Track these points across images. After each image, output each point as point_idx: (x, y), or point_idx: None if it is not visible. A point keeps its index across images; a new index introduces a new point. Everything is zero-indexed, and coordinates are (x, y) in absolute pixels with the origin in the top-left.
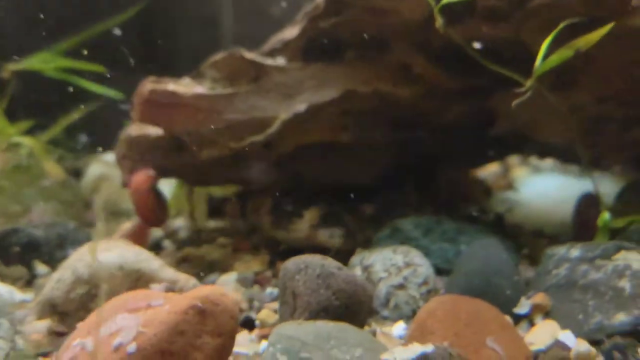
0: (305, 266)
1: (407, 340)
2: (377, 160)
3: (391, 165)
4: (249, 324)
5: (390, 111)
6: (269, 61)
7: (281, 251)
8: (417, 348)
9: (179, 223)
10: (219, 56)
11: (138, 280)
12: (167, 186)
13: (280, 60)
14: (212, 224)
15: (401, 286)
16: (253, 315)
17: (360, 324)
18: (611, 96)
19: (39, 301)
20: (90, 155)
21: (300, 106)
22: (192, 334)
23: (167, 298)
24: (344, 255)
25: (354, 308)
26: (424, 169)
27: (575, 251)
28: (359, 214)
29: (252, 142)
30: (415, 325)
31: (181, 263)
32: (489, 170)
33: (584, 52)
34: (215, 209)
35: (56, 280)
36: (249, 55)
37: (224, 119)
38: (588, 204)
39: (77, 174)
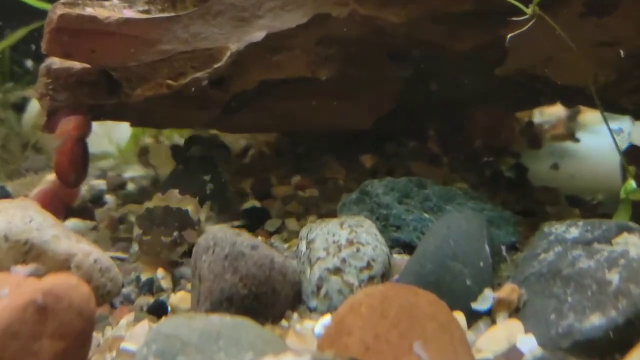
0: (214, 244)
1: (320, 341)
2: (378, 101)
3: (399, 108)
4: (160, 311)
5: (384, 40)
6: None
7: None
8: (287, 359)
9: (131, 173)
10: None
11: (28, 253)
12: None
13: None
14: None
15: (337, 270)
16: (170, 298)
17: (276, 318)
18: None
19: None
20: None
21: (257, 34)
22: (28, 336)
23: (17, 287)
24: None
25: (266, 298)
26: (450, 113)
27: (574, 230)
28: (356, 167)
29: (196, 79)
30: (333, 322)
31: (118, 225)
32: (552, 113)
33: None
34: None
35: None
36: None
37: (160, 50)
38: (636, 157)
39: (20, 107)
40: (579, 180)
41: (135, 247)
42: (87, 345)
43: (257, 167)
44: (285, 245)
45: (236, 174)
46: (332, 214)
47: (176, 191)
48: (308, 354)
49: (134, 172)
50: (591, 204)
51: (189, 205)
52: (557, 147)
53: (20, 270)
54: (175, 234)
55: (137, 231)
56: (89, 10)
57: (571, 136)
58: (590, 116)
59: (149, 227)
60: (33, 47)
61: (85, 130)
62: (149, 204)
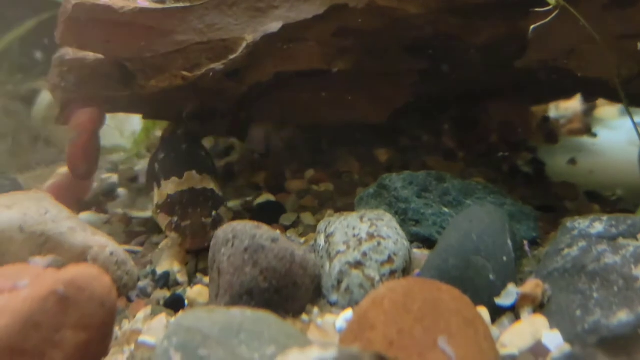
0: (233, 237)
1: (342, 335)
2: (394, 94)
3: (415, 101)
4: (177, 304)
5: (402, 32)
6: None
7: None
8: (314, 353)
9: (143, 166)
10: None
11: (44, 245)
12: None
13: None
14: None
15: (358, 264)
16: (187, 292)
17: (296, 312)
18: None
19: None
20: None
21: (273, 25)
22: (50, 327)
23: (37, 278)
24: None
25: (287, 292)
26: (465, 106)
27: (598, 225)
28: (371, 161)
29: (211, 71)
30: (356, 316)
31: (131, 218)
32: (568, 108)
33: None
34: None
35: None
36: None
37: (175, 40)
38: None
39: (29, 99)
40: (598, 176)
41: (173, 235)
42: (108, 337)
43: (270, 160)
44: (302, 240)
45: (249, 168)
46: (348, 208)
47: (194, 171)
48: (334, 348)
49: (145, 165)
50: (611, 200)
51: (212, 184)
52: (573, 142)
53: (39, 261)
54: (214, 213)
55: (164, 220)
56: (103, 0)
57: (588, 131)
58: (606, 111)
59: (184, 212)
60: (45, 39)
61: (100, 123)
62: (167, 190)
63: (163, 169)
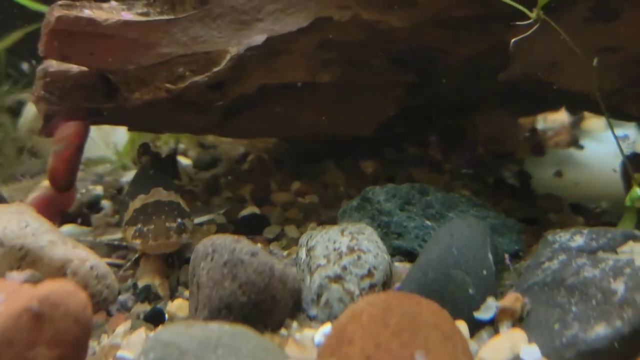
0: (213, 250)
1: (320, 350)
2: (379, 106)
3: (401, 113)
4: (157, 318)
5: (386, 45)
6: None
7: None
8: None
9: (128, 178)
10: None
11: (23, 258)
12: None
13: None
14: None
15: (338, 278)
16: (167, 306)
17: (275, 326)
18: None
19: None
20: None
21: (257, 37)
22: (24, 343)
23: (12, 294)
24: None
25: (265, 306)
26: (452, 119)
27: (579, 239)
28: (357, 173)
29: (195, 83)
30: (334, 331)
31: (112, 229)
32: (555, 120)
33: None
34: None
35: None
36: None
37: (159, 53)
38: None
39: (16, 111)
40: (583, 188)
41: (136, 242)
42: (83, 353)
43: (256, 173)
44: (285, 253)
45: (235, 180)
46: (332, 221)
47: (160, 188)
48: None
49: (130, 177)
50: (595, 212)
51: (179, 199)
52: (560, 154)
53: (16, 276)
54: (179, 220)
55: (130, 232)
56: (87, 12)
57: (575, 143)
58: (594, 123)
59: (147, 219)
60: (29, 49)
61: (86, 136)
62: (133, 206)
63: (131, 194)
